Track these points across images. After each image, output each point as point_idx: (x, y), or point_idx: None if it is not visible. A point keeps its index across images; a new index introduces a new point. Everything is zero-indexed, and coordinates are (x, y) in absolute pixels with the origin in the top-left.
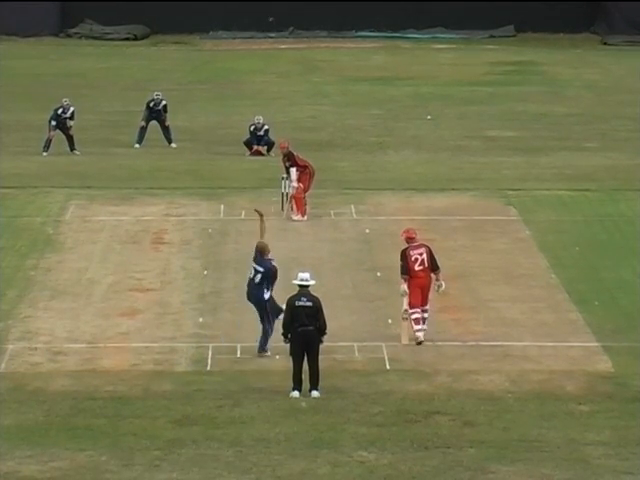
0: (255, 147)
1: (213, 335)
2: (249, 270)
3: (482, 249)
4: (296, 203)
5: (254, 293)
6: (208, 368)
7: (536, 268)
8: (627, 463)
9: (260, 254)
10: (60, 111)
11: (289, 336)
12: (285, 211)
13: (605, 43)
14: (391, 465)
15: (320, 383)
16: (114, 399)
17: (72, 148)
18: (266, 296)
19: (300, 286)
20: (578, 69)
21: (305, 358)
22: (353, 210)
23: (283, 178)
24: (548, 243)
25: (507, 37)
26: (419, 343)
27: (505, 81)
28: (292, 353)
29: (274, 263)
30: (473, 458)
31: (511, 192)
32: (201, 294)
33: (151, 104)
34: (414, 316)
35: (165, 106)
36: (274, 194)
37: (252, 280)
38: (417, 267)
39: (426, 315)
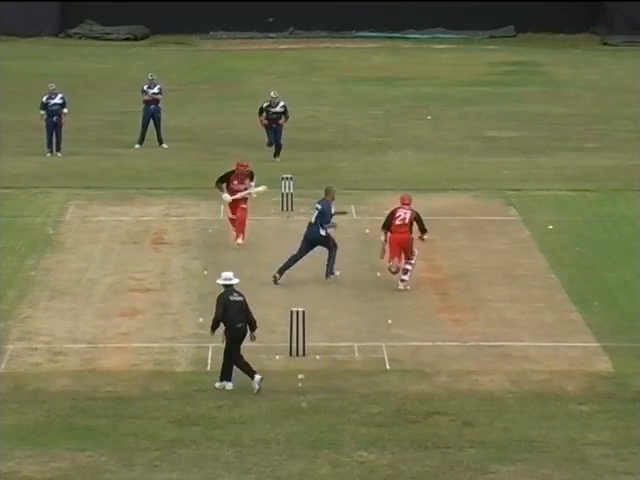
0: (262, 120)
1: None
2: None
3: (482, 249)
4: (242, 226)
5: (312, 232)
6: (208, 368)
7: (536, 268)
8: (627, 463)
9: (325, 194)
10: (46, 98)
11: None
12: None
13: (605, 43)
14: (391, 465)
15: (320, 383)
16: (114, 399)
17: (58, 149)
18: (322, 232)
19: (225, 286)
20: (578, 69)
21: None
22: (353, 210)
23: (284, 178)
24: (548, 243)
25: (507, 37)
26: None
27: (505, 81)
28: (230, 349)
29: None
30: (473, 458)
31: (511, 192)
32: (201, 294)
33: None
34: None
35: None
36: (274, 194)
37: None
38: (397, 222)
39: (409, 267)
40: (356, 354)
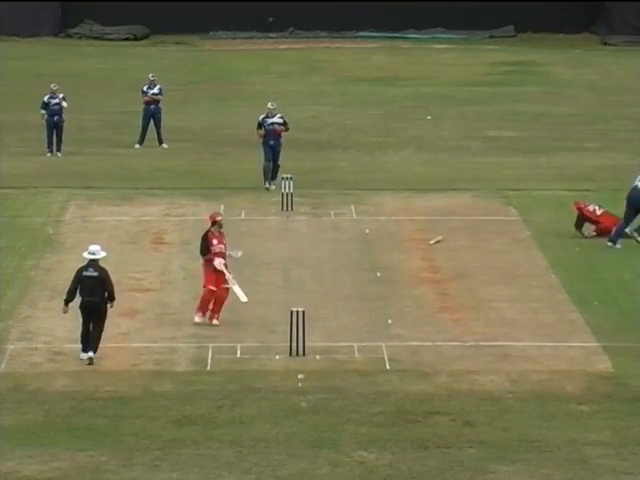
0: (260, 133)
1: (213, 335)
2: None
3: (482, 249)
4: (220, 305)
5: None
6: (208, 368)
7: (536, 268)
8: (627, 463)
9: None
10: (47, 97)
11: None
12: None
13: (605, 43)
14: (391, 465)
15: (320, 383)
16: (114, 399)
17: (58, 149)
18: None
19: (90, 260)
20: (578, 69)
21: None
22: (353, 210)
23: (284, 178)
24: (548, 243)
25: (507, 37)
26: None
27: (505, 81)
28: (83, 319)
29: None
30: (473, 458)
31: (511, 192)
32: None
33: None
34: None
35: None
36: (274, 194)
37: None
38: (599, 213)
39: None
40: (356, 354)
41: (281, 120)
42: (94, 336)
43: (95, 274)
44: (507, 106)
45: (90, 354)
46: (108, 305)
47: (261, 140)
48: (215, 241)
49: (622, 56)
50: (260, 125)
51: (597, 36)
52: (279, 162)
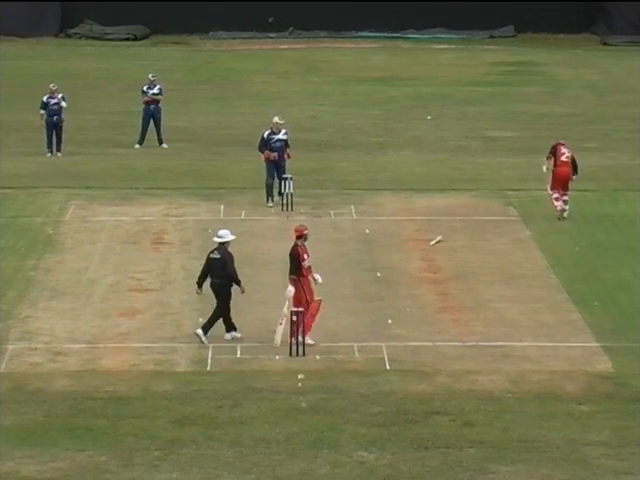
0: (268, 153)
1: (213, 335)
2: None
3: (482, 249)
4: (312, 320)
5: None
6: (208, 368)
7: (536, 268)
8: (627, 463)
9: None
10: (46, 97)
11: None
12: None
13: (605, 43)
14: (391, 465)
15: (320, 383)
16: (114, 399)
17: (58, 149)
18: None
19: (219, 243)
20: (578, 69)
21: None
22: (353, 210)
23: (283, 178)
24: (548, 243)
25: (507, 37)
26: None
27: (505, 81)
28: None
29: None
30: (473, 458)
31: (511, 192)
32: (201, 294)
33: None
34: (554, 195)
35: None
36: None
37: None
38: (563, 158)
39: (566, 198)
40: (356, 354)
41: (285, 137)
42: (210, 317)
43: (218, 256)
44: (507, 106)
45: (229, 335)
46: (239, 290)
47: (271, 157)
48: (305, 255)
49: (622, 56)
50: (264, 142)
51: (597, 36)
52: (286, 176)
